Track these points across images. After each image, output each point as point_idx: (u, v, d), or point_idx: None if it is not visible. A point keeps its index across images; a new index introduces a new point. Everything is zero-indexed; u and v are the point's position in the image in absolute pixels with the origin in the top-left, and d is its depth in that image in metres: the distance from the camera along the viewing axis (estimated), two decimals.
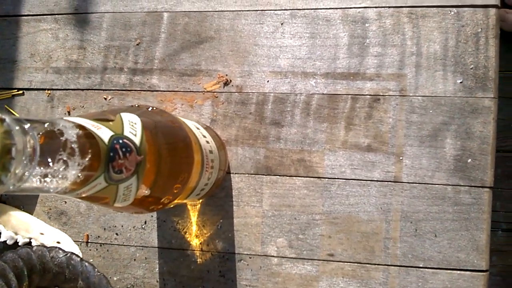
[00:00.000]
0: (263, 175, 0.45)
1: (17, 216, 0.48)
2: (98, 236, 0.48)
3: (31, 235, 0.48)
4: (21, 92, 0.50)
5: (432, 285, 0.42)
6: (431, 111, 0.42)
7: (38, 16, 0.51)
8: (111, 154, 0.24)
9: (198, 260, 0.46)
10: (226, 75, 0.46)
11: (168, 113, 0.32)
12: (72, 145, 0.22)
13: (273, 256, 0.44)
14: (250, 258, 0.45)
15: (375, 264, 0.43)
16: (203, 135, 0.37)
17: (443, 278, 0.42)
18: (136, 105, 0.32)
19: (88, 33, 0.49)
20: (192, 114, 0.47)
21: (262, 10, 0.46)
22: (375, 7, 0.44)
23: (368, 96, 0.43)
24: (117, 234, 0.47)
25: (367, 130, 0.43)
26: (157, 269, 0.47)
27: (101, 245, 0.48)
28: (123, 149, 0.24)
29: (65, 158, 0.21)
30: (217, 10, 0.47)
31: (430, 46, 0.43)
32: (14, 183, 0.19)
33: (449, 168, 0.42)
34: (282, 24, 0.46)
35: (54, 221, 0.49)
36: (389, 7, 0.44)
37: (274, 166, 0.45)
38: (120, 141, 0.24)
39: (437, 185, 0.42)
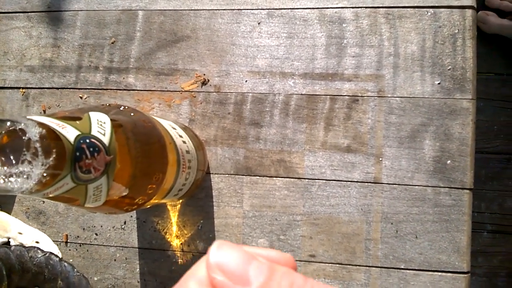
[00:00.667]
0: (243, 175, 0.45)
1: None
2: (78, 236, 0.47)
3: (10, 235, 0.47)
4: None
5: (413, 287, 0.42)
6: (409, 112, 0.42)
7: (10, 14, 0.49)
8: (77, 153, 0.23)
9: (179, 260, 0.45)
10: (204, 74, 0.46)
11: (141, 112, 0.31)
12: (35, 145, 0.21)
13: None
14: None
15: (356, 265, 0.43)
16: (179, 135, 0.37)
17: (425, 280, 0.41)
18: (107, 104, 0.31)
19: (62, 31, 0.48)
20: (170, 114, 0.46)
21: (238, 9, 0.46)
22: (352, 7, 0.44)
23: (346, 96, 0.43)
24: (96, 234, 0.47)
25: (346, 131, 0.43)
26: (137, 269, 0.46)
27: (80, 245, 0.47)
28: (90, 149, 0.24)
29: (28, 158, 0.21)
30: (193, 8, 0.46)
31: (408, 47, 0.43)
32: None
33: (428, 169, 0.42)
34: (259, 23, 0.45)
35: (32, 221, 0.48)
36: (366, 7, 0.43)
37: (254, 167, 0.44)
38: (87, 140, 0.24)
39: (417, 187, 0.42)
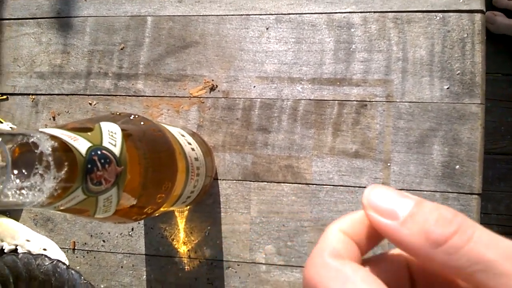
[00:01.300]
0: (251, 181, 0.45)
1: (3, 223, 0.47)
2: (85, 243, 0.47)
3: (17, 242, 0.47)
4: (5, 97, 0.49)
5: None
6: (418, 117, 0.42)
7: (20, 20, 0.50)
8: (89, 166, 0.23)
9: (186, 267, 0.45)
10: (212, 80, 0.46)
11: (151, 121, 0.31)
12: (47, 158, 0.21)
13: (261, 263, 0.44)
14: (238, 265, 0.44)
15: None
16: (188, 142, 0.37)
17: None
18: (118, 113, 0.31)
19: (71, 37, 0.49)
20: (178, 120, 0.46)
21: (247, 15, 0.46)
22: (360, 12, 0.44)
23: (355, 102, 0.43)
24: (104, 241, 0.47)
25: (354, 136, 0.43)
26: (144, 276, 0.46)
27: (88, 252, 0.47)
28: (102, 161, 0.24)
29: (40, 172, 0.21)
30: (201, 14, 0.46)
31: (416, 52, 0.43)
32: None
33: (437, 174, 0.42)
34: (267, 29, 0.45)
35: (40, 228, 0.48)
36: (374, 12, 0.43)
37: (261, 172, 0.44)
38: (99, 152, 0.24)
39: (425, 192, 0.42)
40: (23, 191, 0.20)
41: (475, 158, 0.41)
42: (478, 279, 0.14)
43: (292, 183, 0.44)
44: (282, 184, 0.44)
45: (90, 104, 0.48)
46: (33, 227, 0.48)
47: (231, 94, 0.45)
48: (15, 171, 0.20)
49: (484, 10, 0.42)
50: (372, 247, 0.18)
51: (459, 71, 0.42)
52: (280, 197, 0.44)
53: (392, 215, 0.16)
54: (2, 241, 0.47)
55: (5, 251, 0.46)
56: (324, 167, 0.43)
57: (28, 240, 0.47)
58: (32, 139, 0.21)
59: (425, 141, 0.42)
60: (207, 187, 0.44)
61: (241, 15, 0.46)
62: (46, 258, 0.43)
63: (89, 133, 0.25)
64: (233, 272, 0.44)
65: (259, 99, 0.45)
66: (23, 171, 0.20)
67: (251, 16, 0.45)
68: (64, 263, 0.43)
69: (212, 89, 0.46)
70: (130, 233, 0.46)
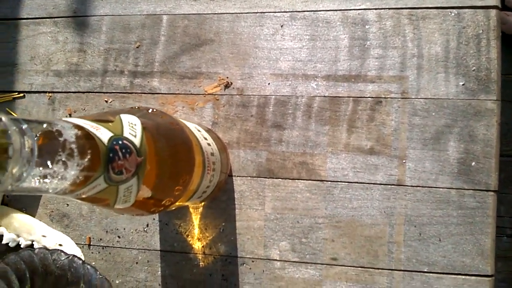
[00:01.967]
0: (265, 178, 0.45)
1: (19, 219, 0.48)
2: (100, 239, 0.48)
3: (33, 238, 0.47)
4: (22, 95, 0.50)
5: None
6: (433, 114, 0.42)
7: (37, 19, 0.51)
8: (111, 155, 0.23)
9: (201, 263, 0.45)
10: (227, 77, 0.46)
11: (169, 115, 0.31)
12: (71, 146, 0.21)
13: (276, 260, 0.44)
14: (252, 261, 0.44)
15: (379, 269, 0.42)
16: (204, 137, 0.37)
17: (448, 283, 0.41)
18: (136, 107, 0.31)
19: (87, 36, 0.49)
20: (193, 117, 0.47)
21: (261, 13, 0.46)
22: (375, 9, 0.44)
23: (369, 98, 0.43)
24: (119, 237, 0.47)
25: (369, 133, 0.43)
26: (159, 272, 0.46)
27: (103, 248, 0.48)
28: (123, 150, 0.24)
29: (64, 159, 0.21)
30: (216, 12, 0.47)
31: (431, 48, 0.43)
32: (11, 183, 0.19)
33: (452, 171, 0.42)
34: (282, 26, 0.45)
35: (56, 224, 0.49)
36: (389, 8, 0.43)
37: (276, 169, 0.44)
38: (120, 142, 0.24)
39: (441, 189, 0.42)
40: (46, 178, 0.21)
41: (491, 154, 0.41)
42: None
43: (306, 179, 0.44)
44: (297, 180, 0.44)
45: (106, 101, 0.48)
46: (49, 223, 0.49)
47: (245, 91, 0.46)
48: (40, 158, 0.20)
49: (500, 6, 0.42)
50: None
51: (474, 68, 0.42)
52: (295, 194, 0.44)
53: None
54: (19, 236, 0.47)
55: (22, 246, 0.47)
56: (339, 164, 0.43)
57: (44, 236, 0.47)
58: (56, 127, 0.21)
59: (440, 138, 0.42)
60: (222, 184, 0.44)
61: (256, 12, 0.46)
62: (62, 253, 0.44)
63: (110, 124, 0.25)
64: (247, 268, 0.44)
65: (273, 96, 0.45)
66: (47, 158, 0.20)
67: (265, 13, 0.46)
68: (80, 258, 0.44)
69: (227, 86, 0.46)
70: (145, 229, 0.47)
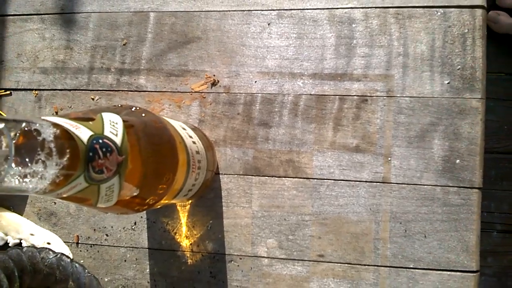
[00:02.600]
0: (252, 175, 0.45)
1: (7, 217, 0.48)
2: (88, 237, 0.48)
3: (21, 236, 0.47)
4: (8, 92, 0.50)
5: (422, 286, 0.42)
6: (418, 112, 0.42)
7: (25, 16, 0.50)
8: (91, 154, 0.23)
9: (189, 261, 0.45)
10: (214, 75, 0.46)
11: (152, 113, 0.31)
12: (50, 145, 0.21)
13: (263, 257, 0.44)
14: (240, 259, 0.45)
15: (365, 265, 0.43)
16: (189, 136, 0.37)
17: (434, 279, 0.41)
18: (119, 105, 0.31)
19: (74, 33, 0.49)
20: (180, 115, 0.47)
21: (248, 10, 0.46)
22: (362, 8, 0.44)
23: (355, 96, 0.43)
24: (107, 235, 0.47)
25: (355, 131, 0.43)
26: (148, 270, 0.46)
27: (91, 246, 0.47)
28: (103, 149, 0.24)
29: (42, 158, 0.21)
30: (203, 10, 0.47)
31: (417, 47, 0.43)
32: None
33: (437, 168, 0.42)
34: (269, 24, 0.45)
35: (44, 222, 0.49)
36: (375, 7, 0.44)
37: (263, 167, 0.45)
38: (100, 141, 0.24)
39: (426, 186, 0.42)
40: (25, 178, 0.21)
41: (476, 152, 0.41)
42: None
43: (293, 177, 0.44)
44: (283, 178, 0.44)
45: (93, 99, 0.48)
46: (37, 221, 0.49)
47: (232, 89, 0.46)
48: (18, 158, 0.20)
49: (485, 5, 0.42)
50: None
51: (459, 66, 0.42)
52: (281, 192, 0.44)
53: None
54: (7, 235, 0.47)
55: (10, 245, 0.47)
56: (325, 162, 0.44)
57: (32, 234, 0.47)
58: (34, 126, 0.21)
59: (425, 136, 0.42)
60: (209, 182, 0.44)
61: (243, 10, 0.46)
62: (50, 252, 0.44)
63: (90, 122, 0.25)
64: (235, 265, 0.45)
65: (260, 94, 0.45)
66: (26, 157, 0.20)
67: (252, 11, 0.46)
68: (68, 257, 0.43)
69: (214, 84, 0.46)
70: (133, 227, 0.47)
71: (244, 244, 0.45)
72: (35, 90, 0.49)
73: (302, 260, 0.44)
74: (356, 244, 0.43)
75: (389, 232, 0.42)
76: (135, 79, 0.47)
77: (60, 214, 0.48)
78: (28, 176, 0.21)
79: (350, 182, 0.43)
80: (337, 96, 0.44)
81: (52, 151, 0.21)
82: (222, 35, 0.46)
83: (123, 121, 0.27)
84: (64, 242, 0.48)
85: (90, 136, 0.24)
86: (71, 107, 0.49)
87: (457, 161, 0.42)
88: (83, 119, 0.25)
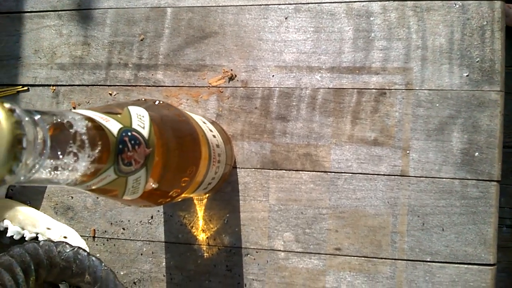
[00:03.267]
0: (270, 169, 0.45)
1: (23, 211, 0.48)
2: (105, 231, 0.48)
3: (38, 230, 0.48)
4: (26, 88, 0.50)
5: (439, 279, 0.42)
6: (437, 105, 0.42)
7: (41, 13, 0.51)
8: (120, 146, 0.24)
9: (205, 254, 0.46)
10: (231, 70, 0.46)
11: (175, 107, 0.32)
12: (82, 137, 0.22)
13: (279, 250, 0.44)
14: (256, 252, 0.45)
15: (382, 258, 0.43)
16: (209, 129, 0.37)
17: (451, 272, 0.41)
18: (143, 99, 0.32)
19: (91, 29, 0.49)
20: (197, 109, 0.47)
21: (266, 5, 0.46)
22: (380, 1, 0.44)
23: (374, 90, 0.43)
24: (123, 228, 0.47)
25: (373, 124, 0.43)
26: (164, 263, 0.47)
27: (107, 240, 0.48)
28: (132, 142, 0.24)
29: (75, 150, 0.21)
30: (220, 5, 0.47)
31: (436, 40, 0.43)
32: (25, 174, 0.19)
33: (456, 161, 0.42)
34: (286, 18, 0.45)
35: (60, 216, 0.49)
36: (393, 0, 0.43)
37: (280, 161, 0.45)
38: (129, 133, 0.24)
39: (444, 179, 0.42)
40: (57, 169, 0.21)
41: (494, 145, 0.41)
42: None
43: (310, 171, 0.44)
44: (301, 172, 0.44)
45: (110, 94, 0.48)
46: (54, 215, 0.49)
47: (249, 83, 0.46)
48: (52, 149, 0.20)
49: None
50: None
51: (478, 59, 0.42)
52: (299, 185, 0.44)
53: None
54: (23, 229, 0.48)
55: (26, 239, 0.47)
56: (343, 155, 0.44)
57: (48, 228, 0.48)
58: (67, 119, 0.21)
59: (444, 129, 0.42)
60: (226, 176, 0.44)
61: (260, 5, 0.46)
62: (67, 245, 0.44)
63: (119, 116, 0.25)
64: (251, 259, 0.45)
65: (277, 88, 0.45)
66: (59, 149, 0.21)
67: (270, 6, 0.46)
68: (85, 250, 0.44)
69: (231, 78, 0.46)
70: (149, 221, 0.47)
71: (261, 237, 0.45)
72: (53, 86, 0.50)
73: (318, 253, 0.44)
74: (373, 237, 0.43)
75: (406, 225, 0.42)
76: (152, 74, 0.48)
77: (77, 208, 0.49)
78: (60, 168, 0.21)
79: (368, 175, 0.43)
80: (355, 90, 0.44)
81: (84, 143, 0.22)
82: (239, 30, 0.46)
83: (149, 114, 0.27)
84: (81, 236, 0.48)
85: (120, 129, 0.24)
86: (88, 102, 0.49)
87: (476, 154, 0.41)
88: (111, 112, 0.25)
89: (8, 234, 0.47)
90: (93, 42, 0.49)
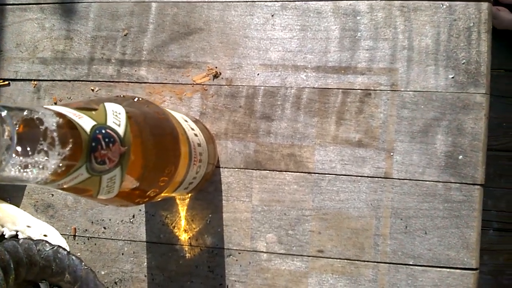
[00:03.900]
0: (253, 169, 0.44)
1: (3, 209, 0.47)
2: (86, 230, 0.47)
3: (18, 228, 0.47)
4: (6, 82, 0.49)
5: (421, 283, 0.41)
6: (422, 107, 0.42)
7: (24, 5, 0.49)
8: (93, 144, 0.23)
9: (187, 255, 0.45)
10: (216, 67, 0.46)
11: (155, 104, 0.31)
12: (52, 134, 0.21)
13: (262, 251, 0.44)
14: (239, 253, 0.44)
15: (364, 261, 0.42)
16: (191, 128, 0.36)
17: (433, 276, 0.41)
18: (122, 96, 0.31)
19: (74, 23, 0.48)
20: (181, 107, 0.46)
21: (252, 1, 0.45)
22: (367, 0, 0.43)
23: (359, 90, 0.43)
24: (105, 228, 0.47)
25: (358, 125, 0.43)
26: (145, 263, 0.46)
27: (88, 239, 0.47)
28: (106, 139, 0.24)
29: (45, 148, 0.21)
30: (206, 0, 0.46)
31: (422, 40, 0.42)
32: None
33: (440, 164, 0.42)
34: (272, 16, 0.45)
35: (41, 214, 0.48)
36: (380, 0, 0.43)
37: (264, 161, 0.44)
38: (103, 131, 0.24)
39: (427, 182, 0.42)
40: (27, 167, 0.20)
41: (479, 148, 0.41)
42: None
43: (294, 172, 0.44)
44: (284, 172, 0.44)
45: (92, 90, 0.48)
46: (34, 213, 0.48)
47: (234, 81, 0.45)
48: (20, 147, 0.19)
49: None
50: None
51: (464, 61, 0.42)
52: (282, 186, 0.44)
53: None
54: (3, 226, 0.47)
55: (6, 236, 0.46)
56: (327, 156, 0.43)
57: (28, 226, 0.47)
58: (37, 115, 0.21)
59: (428, 131, 0.42)
60: (209, 175, 0.44)
61: (246, 1, 0.45)
62: (47, 244, 0.43)
63: (93, 112, 0.25)
64: (234, 260, 0.44)
65: (262, 87, 0.45)
66: (28, 146, 0.20)
67: (256, 3, 0.45)
68: (64, 249, 0.43)
69: (216, 76, 0.45)
70: (131, 220, 0.46)
71: (243, 238, 0.44)
72: (34, 80, 0.49)
73: (301, 255, 0.43)
74: (356, 240, 0.43)
75: (389, 228, 0.42)
76: (136, 71, 0.47)
77: (58, 206, 0.48)
78: (30, 166, 0.20)
79: (352, 177, 0.43)
80: (341, 90, 0.43)
81: (55, 140, 0.21)
82: (225, 26, 0.46)
83: (126, 111, 0.27)
84: (61, 234, 0.47)
85: (93, 126, 0.23)
86: (70, 98, 0.48)
87: (460, 157, 0.41)
88: (86, 108, 0.25)
89: None
90: (76, 37, 0.48)
